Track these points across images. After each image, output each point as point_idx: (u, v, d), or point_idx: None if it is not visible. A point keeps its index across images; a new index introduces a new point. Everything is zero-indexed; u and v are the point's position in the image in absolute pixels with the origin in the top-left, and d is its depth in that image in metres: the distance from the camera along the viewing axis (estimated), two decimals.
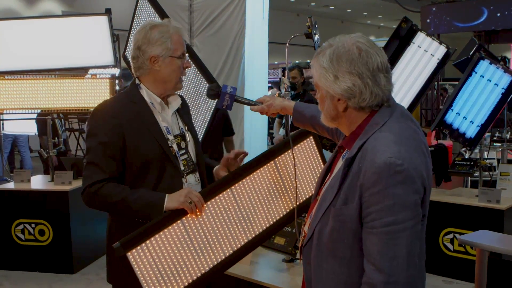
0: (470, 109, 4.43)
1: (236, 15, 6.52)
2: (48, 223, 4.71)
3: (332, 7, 19.69)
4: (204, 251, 1.98)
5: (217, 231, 2.01)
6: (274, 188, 2.15)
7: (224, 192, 2.05)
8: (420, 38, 4.46)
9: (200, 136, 3.57)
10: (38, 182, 5.13)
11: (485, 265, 3.24)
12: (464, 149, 5.06)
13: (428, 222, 1.58)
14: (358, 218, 1.45)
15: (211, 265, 1.99)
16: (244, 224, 2.08)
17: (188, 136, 2.24)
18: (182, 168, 2.15)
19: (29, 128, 7.45)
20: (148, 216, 1.98)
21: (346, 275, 1.50)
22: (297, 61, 14.79)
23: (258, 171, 2.12)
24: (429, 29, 10.93)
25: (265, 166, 2.14)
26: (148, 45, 2.08)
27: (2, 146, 7.60)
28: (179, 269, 1.92)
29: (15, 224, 4.76)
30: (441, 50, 4.39)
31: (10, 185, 5.06)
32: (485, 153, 4.82)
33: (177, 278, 1.92)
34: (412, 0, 12.61)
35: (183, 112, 2.29)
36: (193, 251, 1.96)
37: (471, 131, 4.40)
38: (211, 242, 2.00)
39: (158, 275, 1.88)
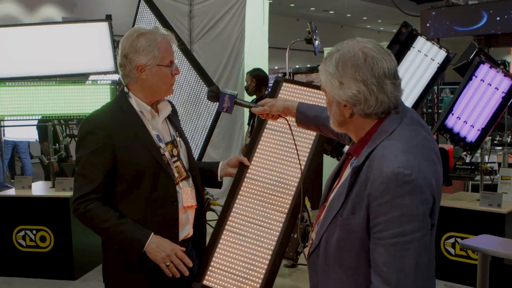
0: (470, 113, 4.43)
1: (236, 20, 6.54)
2: (49, 230, 4.71)
3: (332, 12, 19.73)
4: (261, 237, 2.08)
5: (261, 214, 2.12)
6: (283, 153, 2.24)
7: (245, 181, 2.18)
8: (420, 42, 4.47)
9: (202, 141, 3.58)
10: (39, 188, 5.13)
11: (487, 270, 3.24)
12: (465, 153, 5.06)
13: None
14: (366, 228, 1.42)
15: (273, 247, 2.06)
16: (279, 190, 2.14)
17: (180, 142, 2.21)
18: (176, 175, 2.13)
19: (30, 134, 7.46)
20: (127, 251, 2.03)
21: (353, 285, 1.48)
22: (297, 66, 14.81)
23: (260, 145, 2.25)
24: (429, 34, 10.91)
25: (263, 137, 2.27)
26: (134, 53, 2.03)
27: (2, 153, 7.61)
28: (252, 262, 2.04)
29: (16, 231, 4.76)
30: (441, 54, 4.40)
31: (11, 192, 5.06)
32: (486, 157, 4.83)
33: (254, 268, 2.03)
34: (412, 4, 12.63)
35: (173, 118, 2.26)
36: (251, 242, 2.07)
37: (471, 135, 4.40)
38: (261, 228, 2.09)
39: (239, 278, 2.02)
